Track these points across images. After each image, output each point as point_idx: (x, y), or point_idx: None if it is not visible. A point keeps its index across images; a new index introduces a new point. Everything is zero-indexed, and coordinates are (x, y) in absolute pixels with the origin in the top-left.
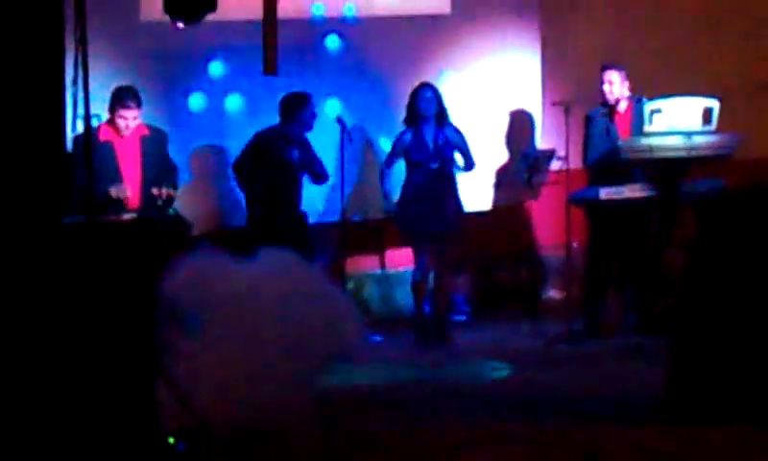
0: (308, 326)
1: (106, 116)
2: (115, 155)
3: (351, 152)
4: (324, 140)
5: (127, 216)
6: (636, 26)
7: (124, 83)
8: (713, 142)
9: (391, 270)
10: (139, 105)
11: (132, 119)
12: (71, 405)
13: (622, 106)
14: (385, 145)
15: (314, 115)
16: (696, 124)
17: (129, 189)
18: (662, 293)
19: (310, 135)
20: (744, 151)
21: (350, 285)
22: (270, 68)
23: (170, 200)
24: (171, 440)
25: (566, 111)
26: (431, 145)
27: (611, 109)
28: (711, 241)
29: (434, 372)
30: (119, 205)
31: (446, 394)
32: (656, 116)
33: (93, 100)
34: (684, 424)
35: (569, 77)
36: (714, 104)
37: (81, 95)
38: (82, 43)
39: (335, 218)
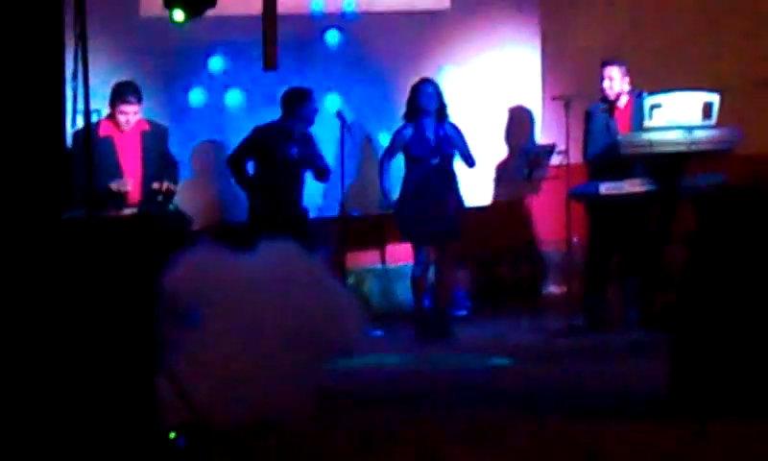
0: (309, 318)
1: (106, 112)
2: (115, 150)
3: (351, 147)
4: (323, 135)
5: (127, 211)
6: (637, 21)
7: (124, 78)
8: (713, 137)
9: (391, 265)
10: (139, 100)
11: (132, 114)
12: (71, 400)
13: (622, 101)
14: (385, 140)
15: (315, 111)
16: (696, 119)
17: (129, 183)
18: (663, 287)
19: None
20: (744, 146)
21: (351, 280)
22: (270, 63)
23: (170, 194)
24: (172, 435)
25: (566, 106)
26: (432, 141)
27: (611, 104)
28: (712, 236)
29: (434, 365)
30: (119, 200)
31: (446, 387)
32: (656, 111)
33: (93, 95)
34: (686, 419)
35: (569, 72)
36: (714, 98)
37: (81, 90)
38: (81, 39)
39: (335, 213)
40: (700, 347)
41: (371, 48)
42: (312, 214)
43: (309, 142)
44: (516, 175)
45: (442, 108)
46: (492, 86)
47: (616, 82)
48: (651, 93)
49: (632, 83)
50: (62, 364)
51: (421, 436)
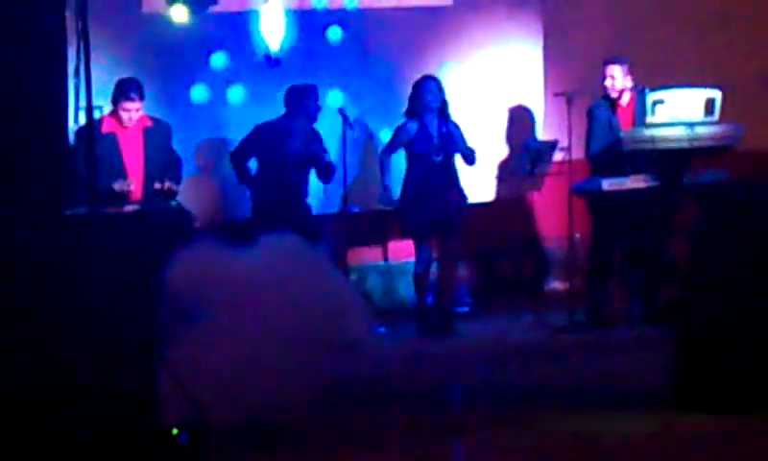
0: (312, 315)
1: (108, 108)
2: (118, 146)
3: (353, 143)
4: (325, 131)
5: (129, 208)
6: (639, 17)
7: (126, 74)
8: (716, 133)
9: (393, 261)
10: (142, 97)
11: (134, 111)
12: (73, 396)
13: (625, 99)
14: (386, 137)
15: (319, 108)
16: (698, 115)
17: (132, 183)
18: (665, 283)
19: None
20: (748, 142)
21: (353, 277)
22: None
23: (172, 194)
24: (174, 431)
25: (569, 102)
26: (435, 137)
27: (613, 102)
28: (715, 231)
29: (435, 361)
30: (122, 197)
31: (446, 383)
32: (658, 107)
33: (95, 92)
34: (690, 414)
35: (571, 68)
36: (717, 94)
37: (83, 87)
38: (84, 35)
39: (337, 209)
40: (703, 342)
41: (373, 45)
42: (314, 211)
43: (314, 139)
44: (519, 171)
45: (444, 105)
46: (494, 83)
47: (618, 80)
48: (653, 89)
49: (634, 79)
50: (64, 360)
51: (422, 432)
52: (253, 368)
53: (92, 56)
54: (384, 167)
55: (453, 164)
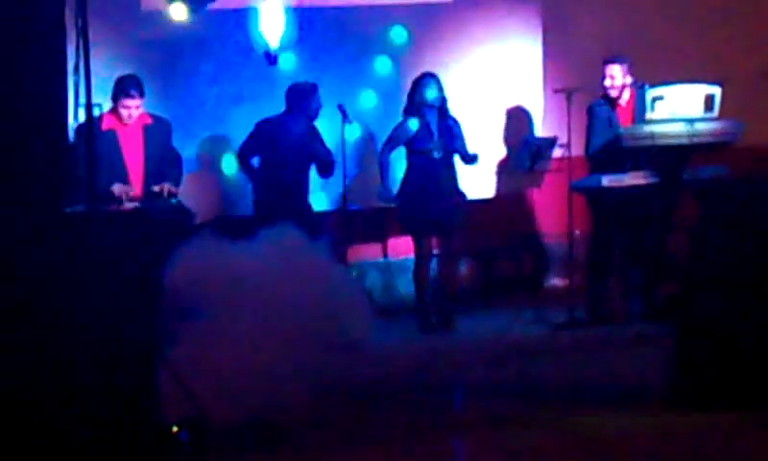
0: (312, 313)
1: (108, 105)
2: (118, 144)
3: (352, 141)
4: (324, 127)
5: (129, 205)
6: (639, 13)
7: (126, 72)
8: (715, 129)
9: (393, 258)
10: (142, 94)
11: (134, 108)
12: (73, 393)
13: (624, 98)
14: (385, 134)
15: (320, 105)
16: (698, 111)
17: (132, 189)
18: (665, 280)
19: None
20: (747, 138)
21: (353, 274)
22: None
23: (171, 195)
24: (174, 429)
25: (568, 99)
26: (435, 134)
27: (613, 101)
28: (714, 228)
29: (435, 358)
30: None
31: (446, 380)
32: (657, 103)
33: (95, 89)
34: (689, 411)
35: (571, 64)
36: (716, 91)
37: (82, 84)
38: (83, 32)
39: (336, 206)
40: (703, 338)
41: (372, 41)
42: (314, 207)
43: (314, 136)
44: (518, 168)
45: (443, 101)
46: (493, 79)
47: (618, 80)
48: (653, 85)
49: (633, 75)
50: (64, 358)
51: (422, 432)
52: (254, 367)
53: (92, 53)
54: (384, 165)
55: (453, 162)
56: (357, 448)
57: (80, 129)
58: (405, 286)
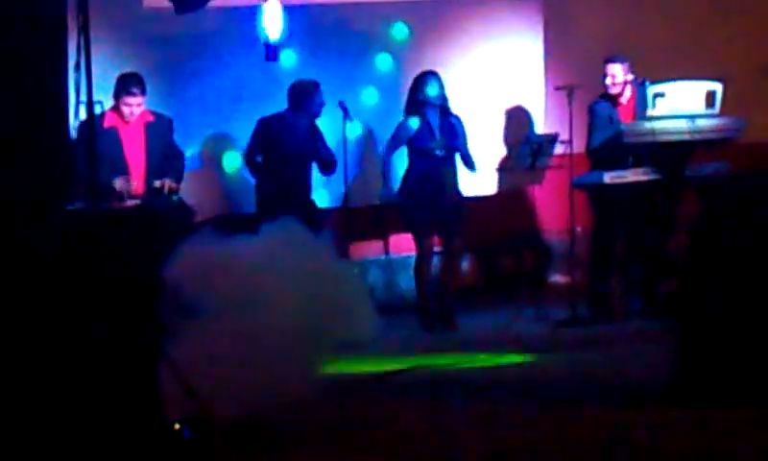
0: (315, 310)
1: (109, 103)
2: (120, 141)
3: (354, 139)
4: (325, 125)
5: (130, 203)
6: (640, 10)
7: (127, 69)
8: (717, 125)
9: (394, 255)
10: (143, 91)
11: (136, 106)
12: (75, 392)
13: (626, 96)
14: (387, 133)
15: (322, 103)
16: (699, 107)
17: (133, 182)
18: (666, 276)
19: None
20: (749, 134)
21: (355, 270)
22: None
23: (172, 192)
24: (176, 426)
25: (569, 95)
26: (437, 133)
27: (614, 99)
28: (716, 224)
29: (436, 356)
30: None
31: (447, 378)
32: (659, 100)
33: (96, 87)
34: (691, 408)
35: (572, 61)
36: (717, 87)
37: (83, 82)
38: (84, 30)
39: (338, 203)
40: (704, 335)
41: (373, 38)
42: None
43: (315, 136)
44: (519, 165)
45: (444, 99)
46: (494, 76)
47: (619, 78)
48: (654, 82)
49: (635, 72)
50: (66, 356)
51: (424, 428)
52: (256, 364)
53: (93, 50)
54: (387, 164)
55: (454, 160)
56: (357, 448)
57: (81, 126)
58: (406, 283)
